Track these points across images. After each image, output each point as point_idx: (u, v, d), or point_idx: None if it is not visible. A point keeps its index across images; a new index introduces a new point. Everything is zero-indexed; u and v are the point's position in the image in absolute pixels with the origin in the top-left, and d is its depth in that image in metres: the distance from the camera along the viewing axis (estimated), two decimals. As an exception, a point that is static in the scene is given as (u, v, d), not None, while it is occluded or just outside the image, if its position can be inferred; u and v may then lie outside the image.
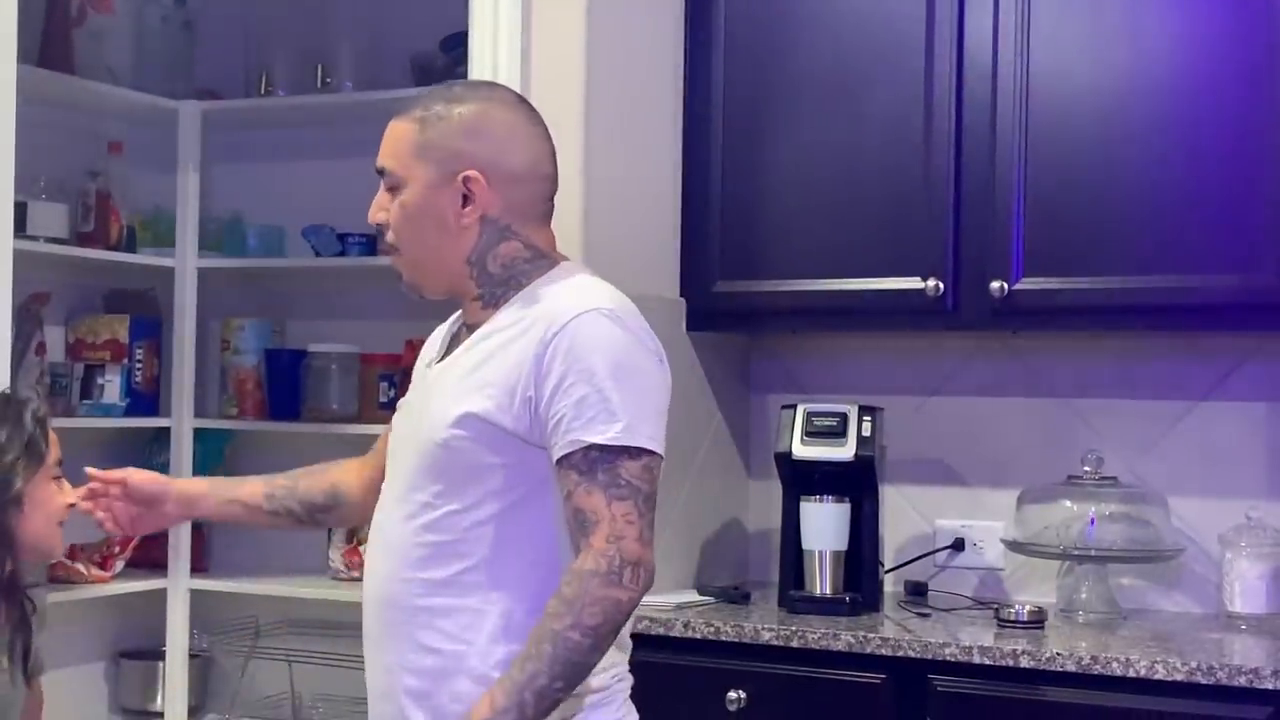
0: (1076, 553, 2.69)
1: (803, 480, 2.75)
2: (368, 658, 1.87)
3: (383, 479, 1.91)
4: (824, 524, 2.71)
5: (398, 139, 1.83)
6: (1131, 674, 2.26)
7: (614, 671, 1.82)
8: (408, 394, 1.94)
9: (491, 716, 1.67)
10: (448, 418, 1.77)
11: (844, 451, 2.70)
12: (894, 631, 2.49)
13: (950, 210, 2.68)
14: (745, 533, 3.14)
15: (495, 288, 1.84)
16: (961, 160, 2.67)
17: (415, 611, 1.78)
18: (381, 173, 1.84)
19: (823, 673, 2.47)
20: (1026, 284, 2.63)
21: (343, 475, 2.05)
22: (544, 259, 1.86)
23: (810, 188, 2.79)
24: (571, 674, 1.69)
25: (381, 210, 1.85)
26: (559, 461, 1.73)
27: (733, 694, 2.49)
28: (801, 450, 2.73)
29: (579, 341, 1.74)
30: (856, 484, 2.73)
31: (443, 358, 1.87)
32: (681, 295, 2.92)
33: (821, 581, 2.70)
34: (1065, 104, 2.61)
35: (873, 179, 2.74)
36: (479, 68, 2.64)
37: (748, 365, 3.17)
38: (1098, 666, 2.29)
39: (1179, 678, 2.24)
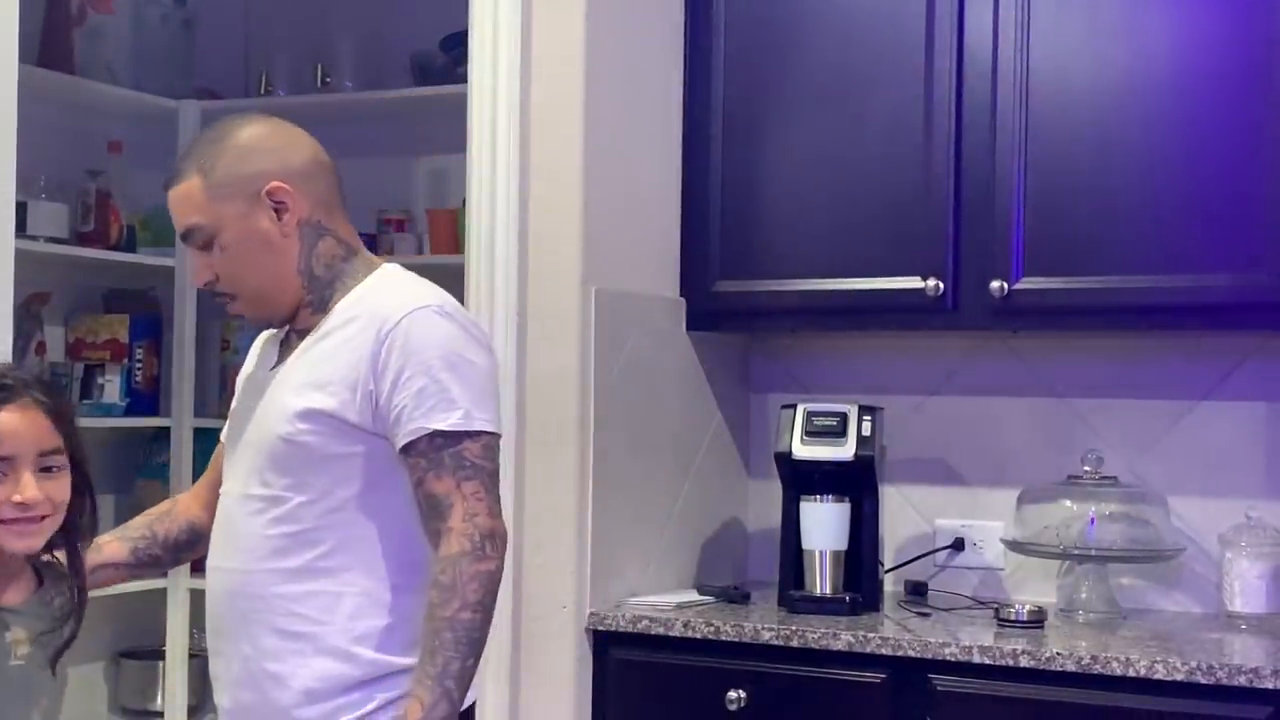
0: (1076, 552, 2.69)
1: (803, 480, 2.75)
2: (217, 649, 1.93)
3: (219, 492, 1.99)
4: (824, 524, 2.71)
5: (188, 197, 1.89)
6: (1131, 674, 2.26)
7: None
8: (235, 402, 2.02)
9: (427, 714, 1.76)
10: (292, 414, 1.85)
11: (844, 451, 2.70)
12: (894, 631, 2.49)
13: (950, 210, 2.68)
14: (745, 533, 3.14)
15: (322, 290, 1.92)
16: (961, 160, 2.67)
17: (271, 599, 1.86)
18: (187, 237, 1.90)
19: (823, 672, 2.47)
20: (1026, 284, 2.63)
21: (192, 510, 2.09)
22: (357, 256, 1.95)
23: (810, 187, 2.79)
24: (476, 648, 1.80)
25: (204, 270, 1.91)
26: (404, 449, 1.83)
27: (733, 694, 2.49)
28: (801, 450, 2.73)
29: (413, 337, 1.83)
30: (856, 484, 2.73)
31: (276, 365, 1.95)
32: (681, 295, 2.92)
33: (821, 581, 2.70)
34: (1065, 104, 2.61)
35: (873, 179, 2.74)
36: (479, 68, 2.64)
37: (748, 365, 3.17)
38: (1098, 666, 2.29)
39: (1179, 677, 2.24)
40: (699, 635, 2.55)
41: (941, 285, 2.67)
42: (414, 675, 1.80)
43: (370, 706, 1.84)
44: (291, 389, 1.88)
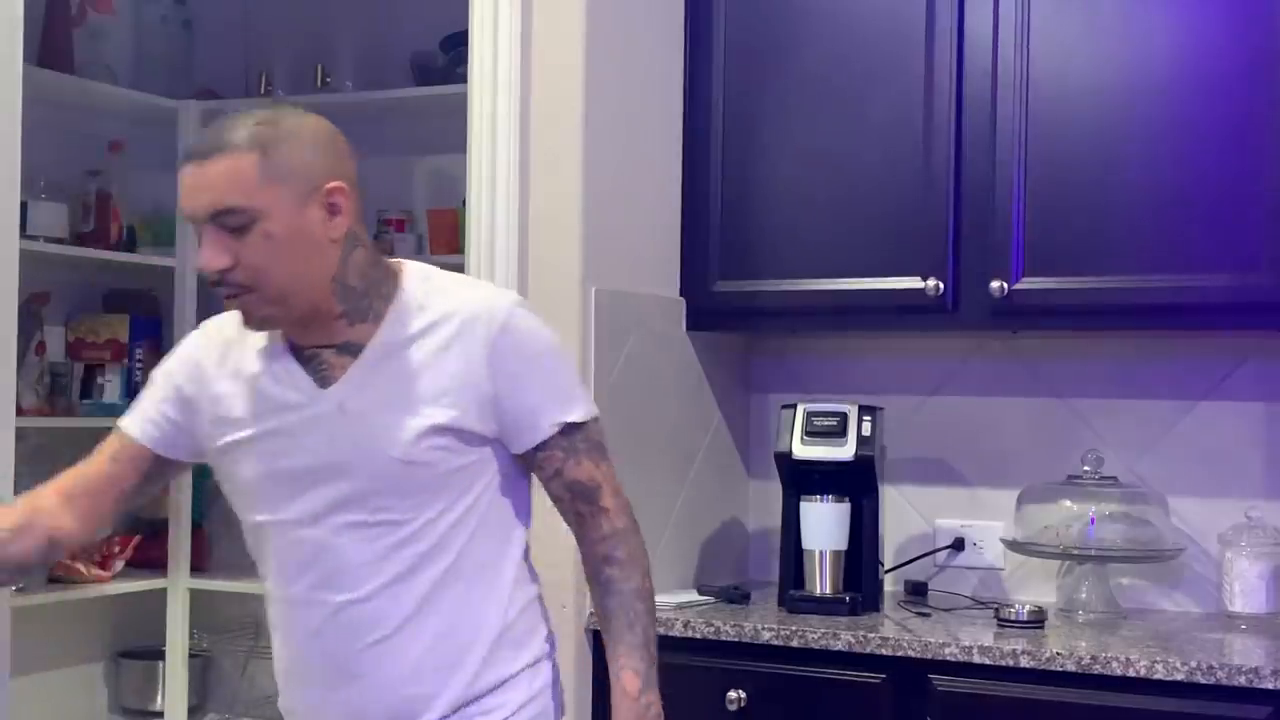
0: (1076, 552, 2.69)
1: (803, 480, 2.75)
2: (321, 689, 1.83)
3: (106, 497, 1.89)
4: (824, 524, 2.71)
5: (236, 174, 1.71)
6: (1131, 674, 2.26)
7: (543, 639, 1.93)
8: (265, 420, 1.82)
9: (643, 685, 1.83)
10: (411, 434, 1.77)
11: (844, 451, 2.70)
12: (894, 631, 2.49)
13: (950, 210, 2.68)
14: (745, 533, 3.14)
15: (358, 301, 1.80)
16: (961, 160, 2.67)
17: (402, 623, 1.80)
18: (219, 217, 1.71)
19: (823, 673, 2.47)
20: (1026, 284, 2.63)
21: (60, 521, 1.88)
22: (381, 265, 1.85)
23: (810, 187, 2.79)
24: (655, 611, 1.89)
25: (222, 255, 1.72)
26: (539, 446, 1.83)
27: (733, 694, 2.49)
28: (801, 450, 2.73)
29: (521, 336, 1.82)
30: (856, 484, 2.73)
31: (323, 382, 1.80)
32: (681, 295, 2.92)
33: (821, 581, 2.70)
34: (1065, 104, 2.61)
35: (873, 179, 2.74)
36: (479, 68, 2.64)
37: (748, 365, 3.17)
38: (1098, 666, 2.29)
39: (1179, 677, 2.24)
40: (699, 635, 2.55)
41: (941, 285, 2.66)
42: (616, 650, 1.84)
43: (519, 698, 1.85)
44: (398, 407, 1.77)
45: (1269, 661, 2.24)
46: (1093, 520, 2.69)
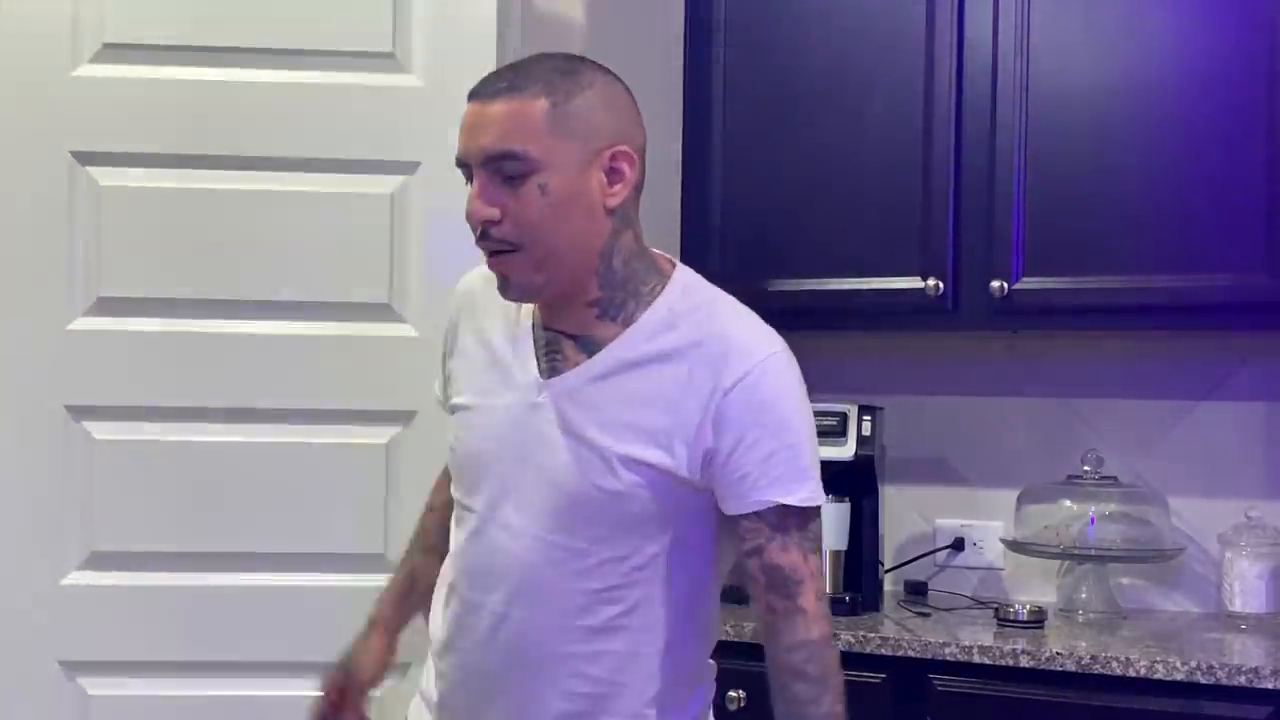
0: (1076, 552, 2.69)
1: (803, 480, 2.74)
2: (481, 694, 1.69)
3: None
4: (824, 524, 2.70)
5: (524, 118, 1.57)
6: (1131, 674, 2.26)
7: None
8: (492, 394, 1.69)
9: None
10: (615, 462, 1.61)
11: (844, 451, 2.70)
12: (894, 631, 2.49)
13: (950, 210, 2.68)
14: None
15: (615, 292, 1.66)
16: (961, 160, 2.67)
17: (565, 657, 1.65)
18: (496, 161, 1.58)
19: (823, 672, 2.47)
20: (1026, 284, 2.63)
21: (432, 575, 1.81)
22: (649, 258, 1.70)
23: (810, 187, 2.79)
24: None
25: (491, 207, 1.59)
26: (746, 516, 1.63)
27: (733, 694, 2.48)
28: (801, 450, 2.72)
29: (764, 393, 1.62)
30: (856, 484, 2.73)
31: (547, 368, 1.66)
32: (681, 295, 2.92)
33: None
34: (1065, 103, 2.61)
35: (873, 179, 2.74)
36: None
37: (747, 365, 3.16)
38: (1098, 666, 2.29)
39: (1179, 677, 2.24)
40: (699, 635, 2.55)
41: (941, 285, 2.67)
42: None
43: None
44: (609, 428, 1.61)
45: (1269, 661, 2.24)
46: (1093, 520, 2.69)
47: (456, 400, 1.73)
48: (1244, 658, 2.30)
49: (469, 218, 1.61)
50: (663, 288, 1.69)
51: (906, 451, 2.98)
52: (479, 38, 2.43)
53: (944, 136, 2.68)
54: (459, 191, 2.41)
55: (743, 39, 2.87)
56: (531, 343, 1.68)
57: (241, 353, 2.34)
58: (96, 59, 2.32)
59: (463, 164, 1.63)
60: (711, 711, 1.81)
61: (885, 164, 2.73)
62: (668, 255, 1.77)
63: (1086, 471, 2.73)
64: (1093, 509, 2.70)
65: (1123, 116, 2.57)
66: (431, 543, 1.88)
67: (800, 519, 1.65)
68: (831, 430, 2.71)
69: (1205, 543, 2.75)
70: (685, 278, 1.73)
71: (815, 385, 3.06)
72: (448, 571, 1.74)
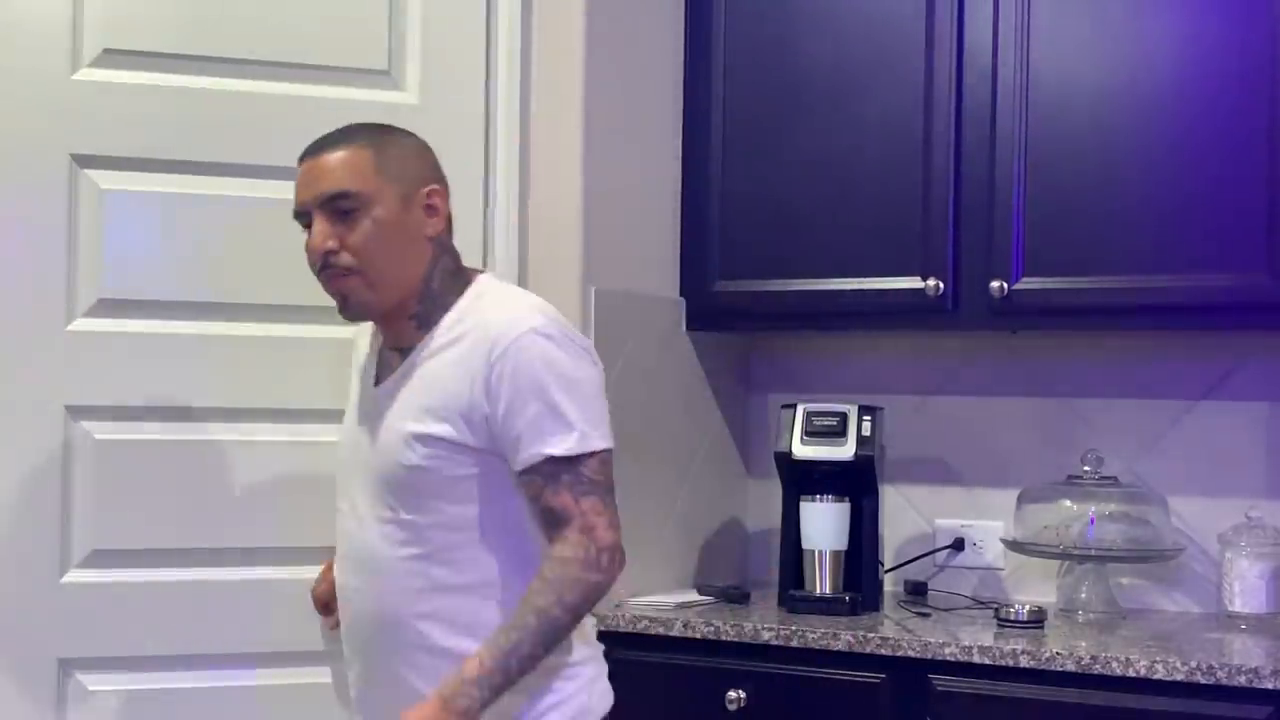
0: (1076, 552, 2.69)
1: (802, 480, 2.75)
2: (361, 668, 2.03)
3: None
4: (824, 524, 2.71)
5: (353, 163, 1.93)
6: (1131, 674, 2.26)
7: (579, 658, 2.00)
8: (351, 410, 2.09)
9: (479, 675, 1.85)
10: (410, 440, 1.92)
11: (844, 451, 2.70)
12: (894, 631, 2.49)
13: (950, 210, 2.68)
14: (745, 533, 3.14)
15: (429, 306, 1.98)
16: (961, 160, 2.67)
17: (412, 620, 1.94)
18: (331, 201, 1.92)
19: (823, 673, 2.47)
20: (1026, 284, 2.63)
21: None
22: (463, 275, 2.01)
23: (810, 188, 2.79)
24: (550, 644, 1.89)
25: (330, 239, 1.93)
26: (525, 471, 1.91)
27: (733, 694, 2.49)
28: (801, 450, 2.73)
29: (521, 363, 1.89)
30: (856, 484, 2.73)
31: (378, 380, 2.03)
32: (681, 295, 2.92)
33: (821, 581, 2.70)
34: (1065, 104, 2.61)
35: (873, 179, 2.74)
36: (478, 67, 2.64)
37: (748, 365, 3.17)
38: (1098, 666, 2.29)
39: (1179, 677, 2.24)
40: (699, 635, 2.55)
41: (941, 285, 2.67)
42: (486, 640, 1.88)
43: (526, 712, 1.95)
44: (405, 414, 1.94)
45: (1269, 661, 2.24)
46: (1092, 520, 2.69)
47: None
48: (1244, 658, 2.30)
49: (311, 252, 1.94)
50: (462, 296, 1.98)
51: (906, 451, 2.98)
52: (471, 58, 2.54)
53: (944, 137, 2.68)
54: (453, 199, 2.49)
55: (743, 39, 2.87)
56: (375, 363, 2.05)
57: (240, 354, 2.37)
58: (97, 63, 2.34)
59: (302, 213, 1.97)
60: (596, 680, 2.03)
61: (885, 164, 2.73)
62: (481, 270, 2.11)
63: (1086, 471, 2.73)
64: (1093, 509, 2.70)
65: (1123, 116, 2.57)
66: None
67: (569, 466, 1.89)
68: (831, 430, 2.71)
69: (1205, 543, 2.75)
70: (482, 285, 2.01)
71: (815, 385, 3.09)
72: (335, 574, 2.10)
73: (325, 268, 1.94)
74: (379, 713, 2.00)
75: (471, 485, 1.93)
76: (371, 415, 2.00)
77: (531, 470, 1.90)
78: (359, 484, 2.00)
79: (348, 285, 1.94)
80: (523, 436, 1.89)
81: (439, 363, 1.94)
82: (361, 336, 2.15)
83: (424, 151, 2.03)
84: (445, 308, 1.98)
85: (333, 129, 2.03)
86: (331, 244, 1.92)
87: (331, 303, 2.39)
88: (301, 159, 1.98)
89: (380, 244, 1.93)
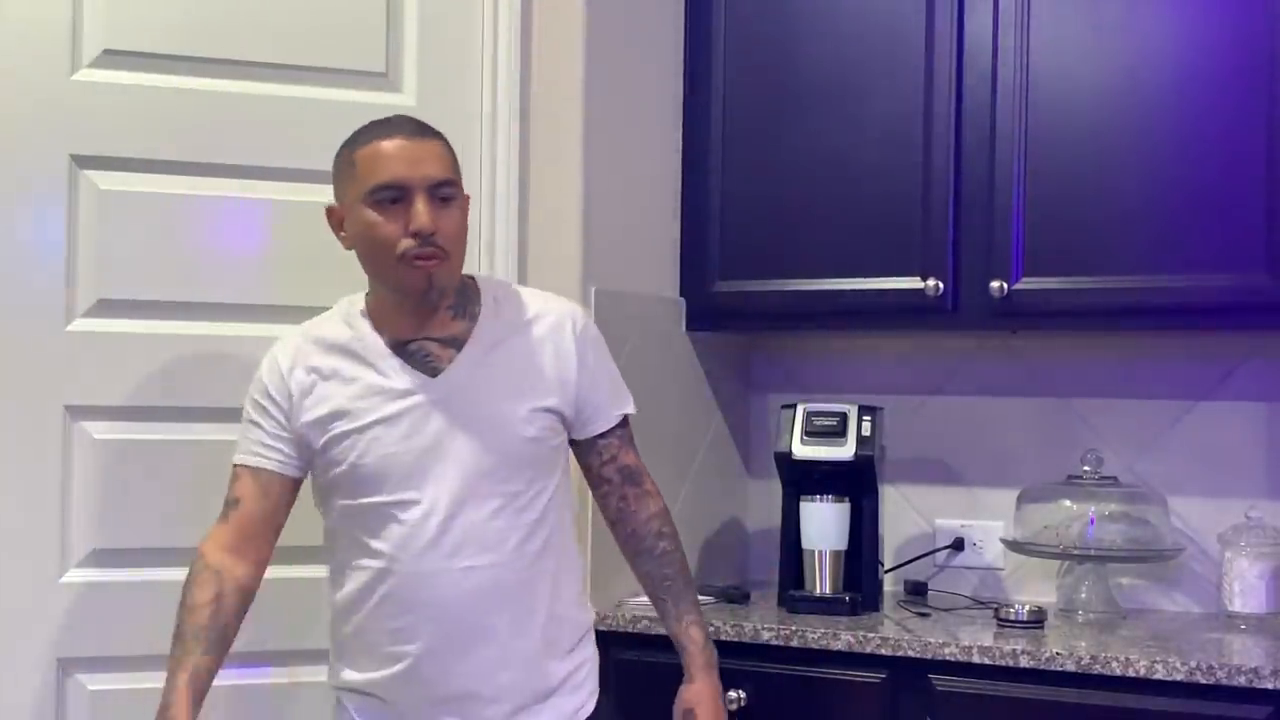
0: (1076, 552, 2.69)
1: (802, 480, 2.75)
2: (457, 645, 2.02)
3: (266, 537, 2.08)
4: (824, 524, 2.71)
5: (448, 156, 2.04)
6: (1131, 674, 2.26)
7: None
8: (383, 411, 2.03)
9: (706, 637, 2.19)
10: (524, 416, 2.05)
11: (844, 451, 2.70)
12: (894, 631, 2.49)
13: (950, 210, 2.68)
14: (745, 533, 3.14)
15: (462, 298, 2.08)
16: (961, 160, 2.67)
17: (522, 583, 2.05)
18: (442, 186, 2.00)
19: (823, 672, 2.47)
20: (1026, 284, 2.63)
21: (240, 579, 2.06)
22: (464, 274, 2.12)
23: (810, 187, 2.79)
24: None
25: (432, 221, 1.98)
26: (605, 433, 2.16)
27: (733, 694, 2.49)
28: (801, 450, 2.73)
29: (593, 337, 2.16)
30: (856, 484, 2.73)
31: (433, 372, 2.04)
32: (681, 295, 2.92)
33: (821, 581, 2.70)
34: (1065, 104, 2.61)
35: (873, 179, 2.74)
36: (478, 67, 2.64)
37: (748, 365, 3.17)
38: (1097, 666, 2.29)
39: (1179, 678, 2.24)
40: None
41: (941, 285, 2.67)
42: (680, 608, 2.18)
43: (590, 652, 2.17)
44: (507, 393, 2.05)
45: (1269, 661, 2.24)
46: (1092, 520, 2.69)
47: (340, 429, 2.03)
48: (1244, 658, 2.30)
49: (420, 229, 1.97)
50: (473, 288, 2.12)
51: (906, 451, 2.98)
52: (469, 60, 2.55)
53: (944, 137, 2.68)
54: None
55: (743, 39, 2.87)
56: (394, 360, 2.05)
57: (239, 355, 2.37)
58: (96, 64, 2.34)
59: (395, 188, 1.98)
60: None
61: (885, 164, 2.73)
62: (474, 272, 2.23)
63: (1086, 471, 2.73)
64: (1093, 509, 2.70)
65: (1122, 116, 2.57)
66: (213, 639, 2.02)
67: (628, 425, 2.21)
68: (831, 430, 2.71)
69: (1205, 543, 2.75)
70: (485, 279, 2.18)
71: (815, 385, 3.10)
72: (370, 562, 2.04)
73: (423, 246, 1.97)
74: (486, 682, 2.03)
75: (559, 455, 2.12)
76: (445, 404, 2.02)
77: (610, 432, 2.16)
78: (444, 472, 2.01)
79: (439, 267, 1.99)
80: (607, 399, 2.15)
81: (523, 342, 2.08)
82: (298, 360, 2.08)
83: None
84: (473, 300, 2.09)
85: (378, 118, 2.05)
86: (434, 227, 1.98)
87: (330, 304, 2.41)
88: (390, 134, 2.00)
89: (462, 235, 2.04)
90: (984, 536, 2.93)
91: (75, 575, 2.32)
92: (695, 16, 2.91)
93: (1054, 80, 2.62)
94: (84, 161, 2.33)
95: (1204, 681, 2.22)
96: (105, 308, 2.34)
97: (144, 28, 2.36)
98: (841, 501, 2.71)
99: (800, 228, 2.81)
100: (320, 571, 2.39)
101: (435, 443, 2.02)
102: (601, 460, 2.18)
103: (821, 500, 2.71)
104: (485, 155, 2.58)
